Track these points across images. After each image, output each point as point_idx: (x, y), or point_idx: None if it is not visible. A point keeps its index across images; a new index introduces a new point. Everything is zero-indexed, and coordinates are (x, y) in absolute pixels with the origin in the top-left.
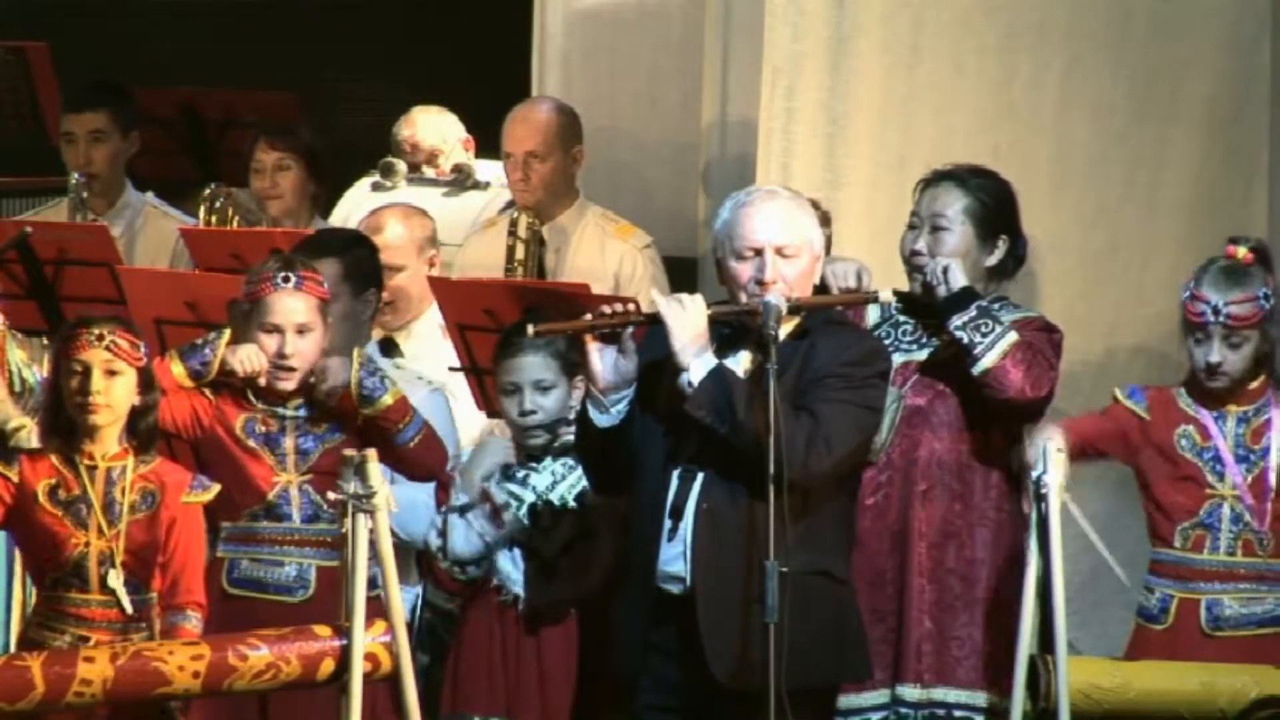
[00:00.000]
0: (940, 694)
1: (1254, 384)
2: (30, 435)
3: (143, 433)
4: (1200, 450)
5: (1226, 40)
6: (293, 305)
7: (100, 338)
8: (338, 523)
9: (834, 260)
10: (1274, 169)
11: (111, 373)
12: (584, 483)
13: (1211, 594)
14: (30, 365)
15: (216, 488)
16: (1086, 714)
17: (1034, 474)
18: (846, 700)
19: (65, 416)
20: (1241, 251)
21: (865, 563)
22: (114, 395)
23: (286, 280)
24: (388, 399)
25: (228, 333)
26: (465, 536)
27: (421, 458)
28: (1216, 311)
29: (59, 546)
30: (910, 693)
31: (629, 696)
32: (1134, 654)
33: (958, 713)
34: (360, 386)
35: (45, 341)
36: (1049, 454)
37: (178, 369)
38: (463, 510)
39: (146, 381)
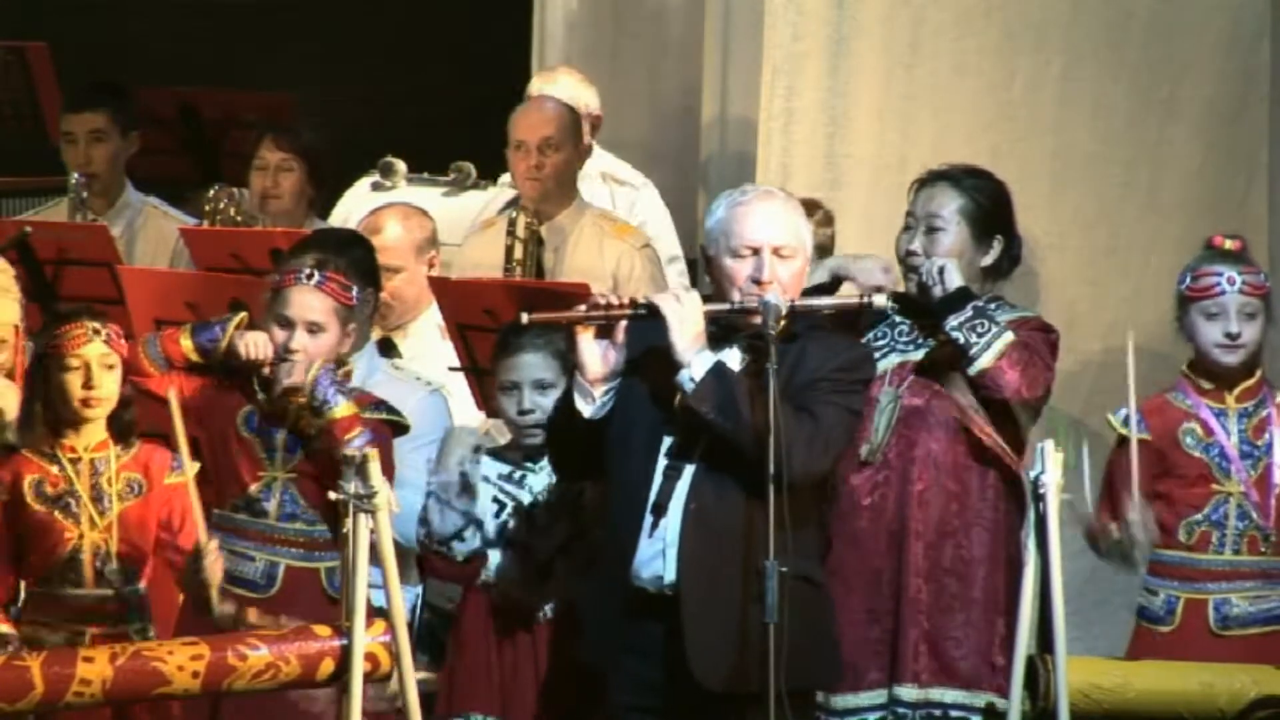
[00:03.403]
0: (937, 694)
1: (1249, 380)
2: None
3: (125, 423)
4: (1206, 446)
5: (1226, 40)
6: (309, 302)
7: (96, 332)
8: (315, 524)
9: (858, 258)
10: (1274, 169)
11: (108, 366)
12: (581, 483)
13: (1219, 594)
14: None
15: (194, 466)
16: (1086, 714)
17: (1032, 474)
18: (843, 700)
19: (49, 411)
20: (1228, 243)
21: (862, 563)
22: (111, 388)
23: (310, 277)
24: (337, 412)
25: (242, 315)
26: (441, 515)
27: None
28: (1232, 281)
29: (52, 542)
30: (907, 693)
31: (601, 688)
32: (1137, 656)
33: (955, 713)
34: (313, 395)
35: None
36: (1047, 454)
37: (187, 343)
38: (436, 495)
39: (125, 370)
